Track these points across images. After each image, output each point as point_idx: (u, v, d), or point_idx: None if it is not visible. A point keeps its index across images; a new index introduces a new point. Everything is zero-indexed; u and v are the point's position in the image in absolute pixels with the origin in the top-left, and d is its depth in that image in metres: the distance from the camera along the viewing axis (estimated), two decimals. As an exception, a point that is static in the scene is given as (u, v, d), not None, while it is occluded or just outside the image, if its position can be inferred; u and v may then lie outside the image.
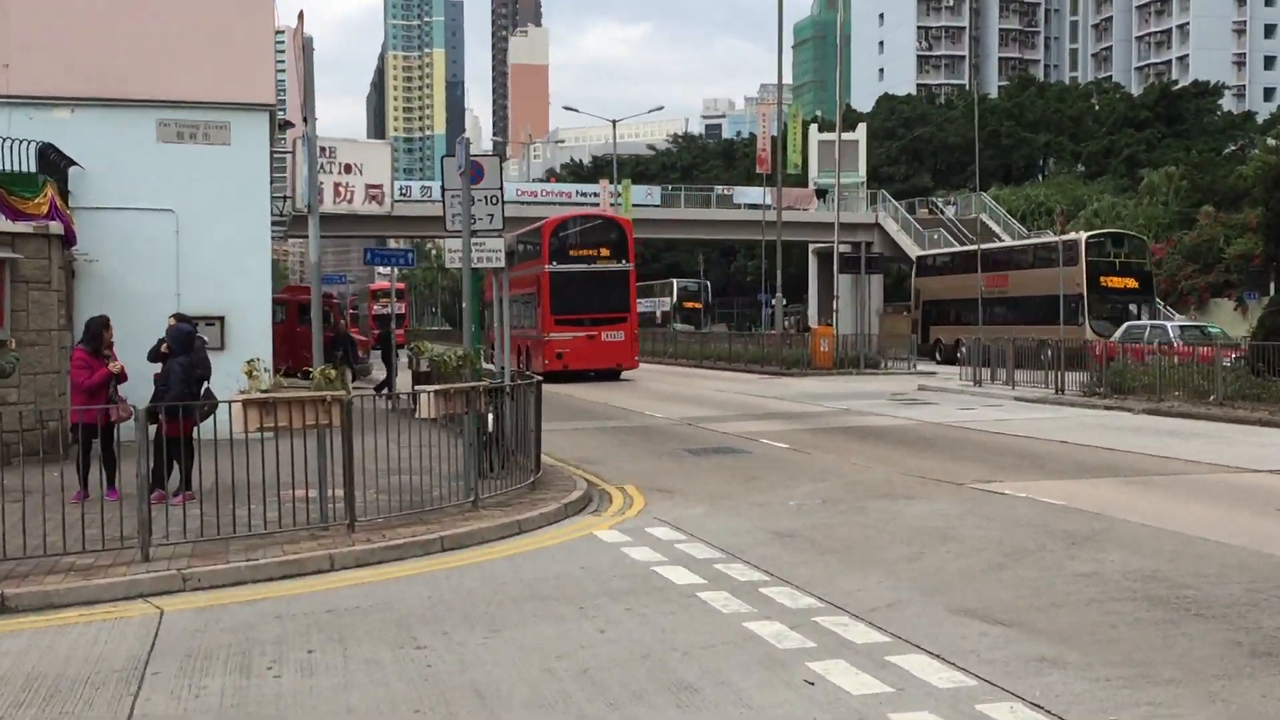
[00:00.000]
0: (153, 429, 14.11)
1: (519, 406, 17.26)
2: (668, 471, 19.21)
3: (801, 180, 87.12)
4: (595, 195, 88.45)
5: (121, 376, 15.88)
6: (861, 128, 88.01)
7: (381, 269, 57.62)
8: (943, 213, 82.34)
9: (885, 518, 14.50)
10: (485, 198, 18.01)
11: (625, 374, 46.81)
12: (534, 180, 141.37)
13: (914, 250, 72.97)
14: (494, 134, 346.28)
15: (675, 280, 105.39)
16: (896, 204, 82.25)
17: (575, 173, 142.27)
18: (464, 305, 17.99)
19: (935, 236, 74.74)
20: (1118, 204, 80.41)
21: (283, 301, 41.75)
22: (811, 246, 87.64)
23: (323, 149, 16.36)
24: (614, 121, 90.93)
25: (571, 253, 46.27)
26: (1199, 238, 66.70)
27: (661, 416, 28.78)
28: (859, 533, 13.64)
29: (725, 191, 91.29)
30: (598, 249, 46.50)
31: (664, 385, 41.96)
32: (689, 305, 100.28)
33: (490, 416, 16.90)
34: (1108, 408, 29.80)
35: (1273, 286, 43.05)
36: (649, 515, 15.05)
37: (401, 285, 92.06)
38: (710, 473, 18.93)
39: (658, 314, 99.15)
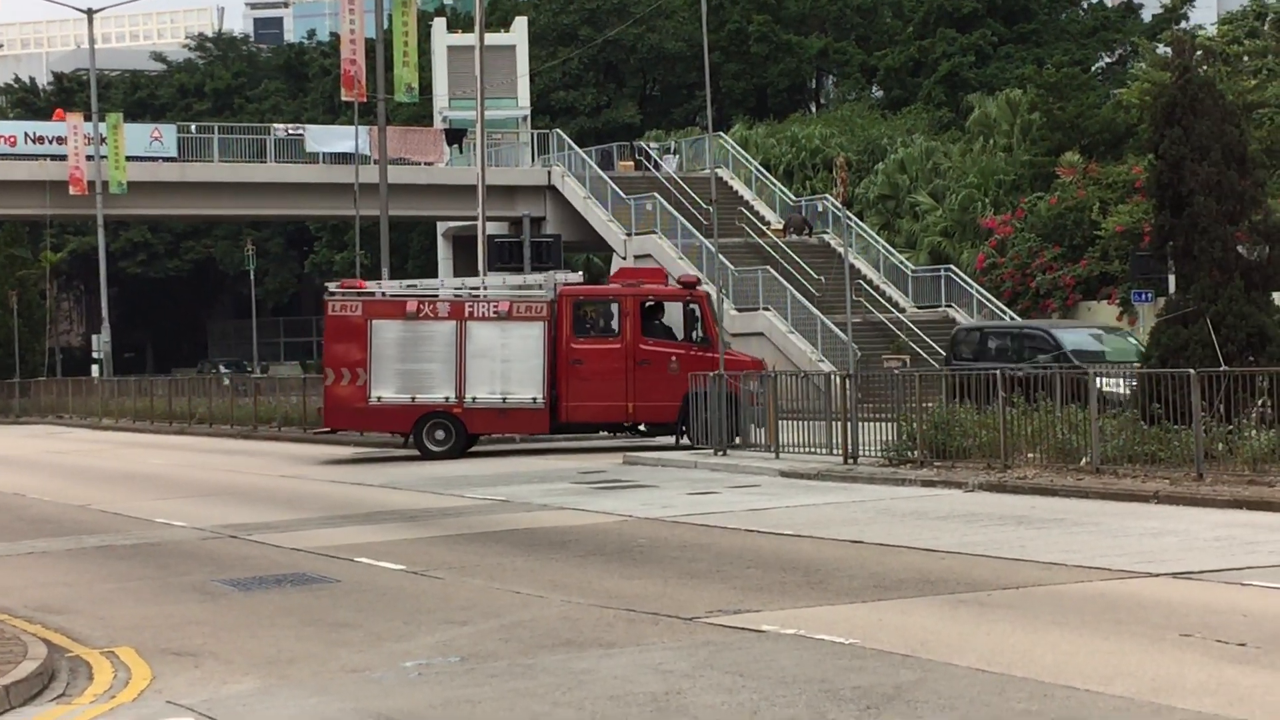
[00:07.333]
0: None
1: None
2: (194, 620, 13.93)
3: (423, 114, 63.75)
4: (59, 142, 56.58)
5: None
6: (520, 25, 63.46)
7: None
8: (658, 166, 57.78)
9: (567, 682, 10.73)
10: None
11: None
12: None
13: (614, 230, 52.27)
14: None
15: None
16: (583, 153, 56.40)
17: (25, 103, 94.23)
18: None
19: (650, 207, 51.35)
20: (935, 149, 57.21)
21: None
22: (442, 227, 63.99)
23: None
24: (90, 11, 60.31)
25: None
26: (1061, 204, 47.54)
27: (184, 525, 20.72)
28: (523, 712, 9.97)
29: (291, 133, 60.36)
30: None
31: (184, 469, 31.30)
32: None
33: None
34: (927, 482, 21.90)
35: (1171, 280, 28.38)
36: (159, 698, 10.83)
37: None
38: (269, 619, 13.86)
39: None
